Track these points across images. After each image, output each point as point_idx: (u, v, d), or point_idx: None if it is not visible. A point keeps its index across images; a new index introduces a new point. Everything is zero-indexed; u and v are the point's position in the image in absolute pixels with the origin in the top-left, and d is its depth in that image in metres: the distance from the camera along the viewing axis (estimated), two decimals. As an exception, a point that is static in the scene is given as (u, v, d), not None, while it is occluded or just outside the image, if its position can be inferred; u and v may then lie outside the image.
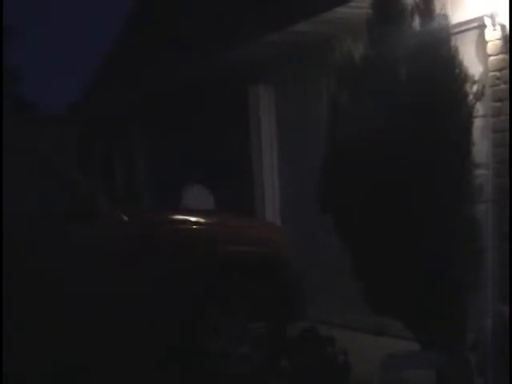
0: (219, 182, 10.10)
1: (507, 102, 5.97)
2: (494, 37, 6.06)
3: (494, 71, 6.09)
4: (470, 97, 5.36)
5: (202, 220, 6.46)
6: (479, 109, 5.62)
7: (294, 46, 8.25)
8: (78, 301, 5.66)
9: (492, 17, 6.02)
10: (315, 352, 6.08)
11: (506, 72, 5.97)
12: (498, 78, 6.05)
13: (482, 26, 6.16)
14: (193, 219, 6.38)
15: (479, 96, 5.42)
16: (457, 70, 5.36)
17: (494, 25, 6.02)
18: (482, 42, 6.23)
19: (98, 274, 5.74)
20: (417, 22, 5.48)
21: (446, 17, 5.46)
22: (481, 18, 6.13)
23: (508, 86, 5.96)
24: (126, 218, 5.99)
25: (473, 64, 5.92)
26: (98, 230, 5.85)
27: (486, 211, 5.81)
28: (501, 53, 6.01)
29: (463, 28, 6.26)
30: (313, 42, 7.88)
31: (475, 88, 5.41)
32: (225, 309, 6.22)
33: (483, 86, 5.53)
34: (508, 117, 5.96)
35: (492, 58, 6.10)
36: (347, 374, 5.96)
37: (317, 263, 8.24)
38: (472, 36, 6.34)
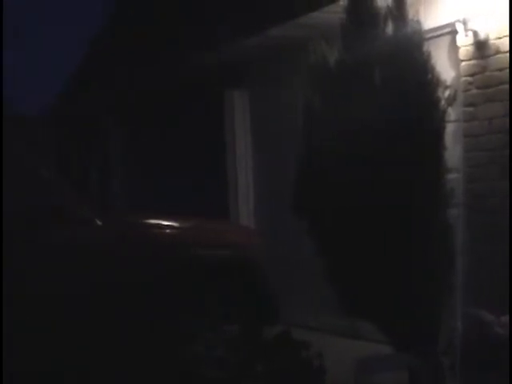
0: (194, 183, 10.10)
1: (479, 107, 6.03)
2: (466, 42, 6.11)
3: (466, 76, 6.14)
4: (442, 102, 5.40)
5: (175, 223, 6.45)
6: (451, 113, 5.67)
7: (270, 50, 8.28)
8: (51, 303, 5.64)
9: (464, 22, 6.06)
10: (290, 355, 6.08)
11: (478, 77, 6.03)
12: (470, 83, 6.10)
13: (455, 32, 6.20)
14: (167, 223, 6.38)
15: (451, 101, 5.47)
16: (429, 75, 5.40)
17: (466, 30, 6.07)
18: (454, 47, 6.28)
19: (72, 277, 5.72)
20: (390, 27, 5.52)
21: (418, 22, 5.50)
22: (453, 24, 6.18)
23: (481, 91, 6.03)
24: (99, 222, 5.98)
25: (445, 69, 5.97)
26: (72, 233, 5.84)
27: (458, 215, 5.87)
28: (473, 58, 6.06)
29: (436, 33, 6.30)
30: (288, 45, 7.90)
31: (447, 93, 5.46)
32: (199, 312, 6.21)
33: (455, 91, 5.58)
34: (481, 121, 6.02)
35: (464, 63, 6.15)
36: (322, 377, 5.97)
37: (292, 266, 8.26)
38: (444, 41, 6.39)
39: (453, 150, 5.90)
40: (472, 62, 6.08)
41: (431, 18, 6.14)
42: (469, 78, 6.12)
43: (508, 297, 5.60)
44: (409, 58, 5.39)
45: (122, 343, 5.92)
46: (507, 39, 5.79)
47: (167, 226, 6.36)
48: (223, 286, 6.27)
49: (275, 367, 6.04)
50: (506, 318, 5.36)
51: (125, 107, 11.93)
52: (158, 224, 6.37)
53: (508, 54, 5.78)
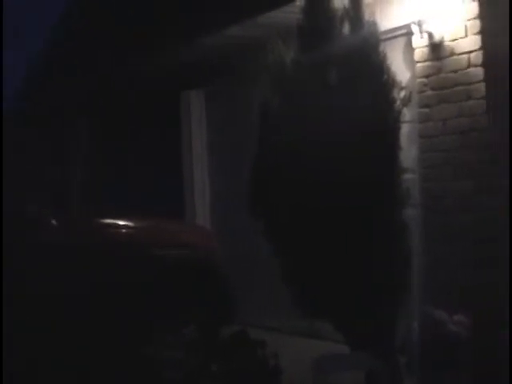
0: (150, 183, 10.05)
1: (434, 109, 6.07)
2: (421, 44, 6.14)
3: (421, 78, 6.17)
4: (398, 102, 5.45)
5: (131, 223, 6.43)
6: (406, 114, 5.72)
7: (227, 49, 8.26)
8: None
9: (419, 24, 6.09)
10: (246, 355, 6.08)
11: (433, 78, 6.07)
12: (425, 85, 6.14)
13: (410, 33, 6.24)
14: (122, 222, 6.35)
15: (406, 102, 5.52)
16: (385, 76, 5.45)
17: (421, 32, 6.10)
18: (409, 48, 6.32)
19: (27, 278, 5.67)
20: (346, 28, 5.55)
21: (374, 23, 5.55)
22: (408, 26, 6.21)
23: (436, 92, 6.08)
24: (55, 223, 5.93)
25: (400, 70, 6.03)
26: (29, 234, 5.79)
27: (414, 215, 5.91)
28: (428, 59, 6.10)
29: (391, 35, 6.34)
30: (245, 45, 7.90)
31: (402, 94, 5.51)
32: (155, 312, 6.18)
33: (410, 92, 5.63)
34: (436, 123, 6.07)
35: (419, 64, 6.19)
36: (278, 377, 5.98)
37: (250, 266, 8.25)
38: (400, 43, 6.43)
39: (408, 150, 5.95)
40: (427, 63, 6.12)
41: (387, 20, 6.17)
42: (424, 80, 6.16)
43: (461, 297, 5.68)
44: (365, 58, 5.43)
45: (77, 345, 5.87)
46: (462, 41, 5.85)
47: (123, 225, 6.34)
48: (180, 286, 6.25)
49: (231, 367, 6.04)
50: (459, 317, 5.42)
51: (83, 107, 11.83)
52: (114, 224, 6.34)
53: (463, 56, 5.85)
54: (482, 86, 5.74)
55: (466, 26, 5.84)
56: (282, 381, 5.92)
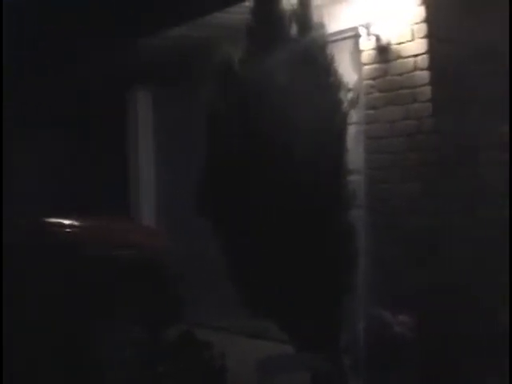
0: (98, 183, 9.96)
1: (381, 110, 6.11)
2: (368, 46, 6.18)
3: (368, 80, 6.21)
4: (345, 104, 5.49)
5: (78, 223, 6.37)
6: (353, 116, 5.76)
7: (174, 50, 8.22)
8: None
9: (367, 27, 6.14)
10: (192, 356, 6.07)
11: (380, 81, 6.11)
12: (372, 87, 6.17)
13: (357, 36, 6.27)
14: (69, 222, 6.28)
15: (353, 104, 5.57)
16: (332, 78, 5.49)
17: (368, 35, 6.14)
18: (357, 51, 6.34)
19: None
20: (294, 30, 5.57)
21: (322, 25, 5.58)
22: (356, 28, 6.25)
23: (382, 94, 6.13)
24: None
25: (348, 72, 6.06)
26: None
27: (360, 216, 5.96)
28: (375, 62, 6.14)
29: (339, 37, 6.35)
30: (192, 46, 7.87)
31: (350, 96, 5.55)
32: (104, 313, 6.13)
33: (357, 94, 5.67)
34: (382, 124, 6.11)
35: (366, 66, 6.22)
36: (224, 377, 5.98)
37: (198, 266, 8.23)
38: (347, 45, 6.43)
39: (355, 152, 5.99)
40: (374, 65, 6.16)
41: (335, 22, 6.19)
42: (371, 82, 6.19)
43: (405, 298, 5.73)
44: (312, 60, 5.46)
45: (27, 345, 5.81)
46: (408, 44, 5.90)
47: (70, 225, 6.27)
48: (128, 287, 6.21)
49: (178, 367, 6.02)
50: (403, 317, 5.48)
51: (26, 107, 11.67)
52: (61, 223, 6.27)
53: (410, 59, 5.91)
54: (427, 89, 5.80)
55: (412, 30, 5.89)
56: (228, 381, 5.92)
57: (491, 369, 5.87)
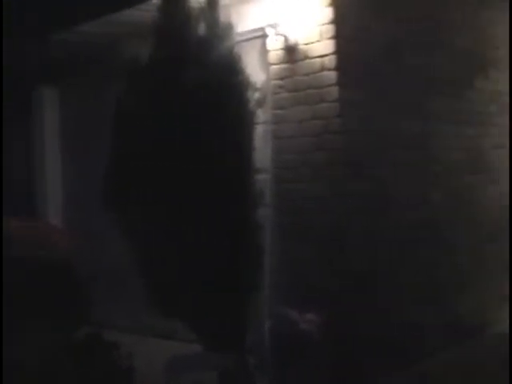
0: (4, 184, 9.76)
1: (288, 110, 6.14)
2: (276, 46, 6.20)
3: (275, 80, 6.23)
4: (252, 104, 5.50)
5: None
6: (261, 116, 5.78)
7: (81, 47, 8.10)
8: None
9: (274, 27, 6.16)
10: (100, 356, 5.99)
11: (288, 81, 6.14)
12: (280, 87, 6.19)
13: (265, 36, 6.28)
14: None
15: (261, 103, 5.58)
16: (240, 77, 5.49)
17: (276, 35, 6.16)
18: (264, 51, 6.35)
19: None
20: (202, 29, 5.55)
21: (230, 25, 5.57)
22: (264, 28, 6.26)
23: (290, 94, 6.16)
24: None
25: (255, 72, 6.05)
26: None
27: (267, 215, 5.98)
28: (282, 62, 6.17)
29: (247, 37, 6.33)
30: (100, 43, 7.77)
31: (257, 95, 5.56)
32: (11, 314, 6.01)
33: (265, 94, 5.68)
34: (290, 124, 6.15)
35: (274, 66, 6.24)
36: (131, 377, 5.92)
37: (107, 266, 8.13)
38: (255, 45, 6.44)
39: (262, 151, 6.01)
40: (282, 66, 6.18)
41: (243, 22, 6.18)
42: (279, 82, 6.22)
43: (312, 296, 5.78)
44: (220, 59, 5.44)
45: None
46: (315, 45, 5.95)
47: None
48: (34, 287, 6.11)
49: (85, 368, 5.94)
50: (310, 316, 5.52)
51: None
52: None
53: (317, 59, 5.95)
54: (334, 90, 5.86)
55: (320, 31, 5.94)
56: (135, 381, 5.87)
57: (387, 367, 6.00)
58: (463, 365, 6.43)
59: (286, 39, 6.12)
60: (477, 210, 7.56)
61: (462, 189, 7.29)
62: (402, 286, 6.36)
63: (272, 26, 6.16)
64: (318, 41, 5.96)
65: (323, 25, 5.93)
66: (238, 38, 5.73)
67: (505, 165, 8.22)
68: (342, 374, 5.64)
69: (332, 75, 5.86)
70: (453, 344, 6.78)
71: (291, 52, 6.10)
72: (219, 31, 5.52)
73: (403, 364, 6.13)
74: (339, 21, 5.91)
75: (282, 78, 6.20)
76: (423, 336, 6.53)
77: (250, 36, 6.38)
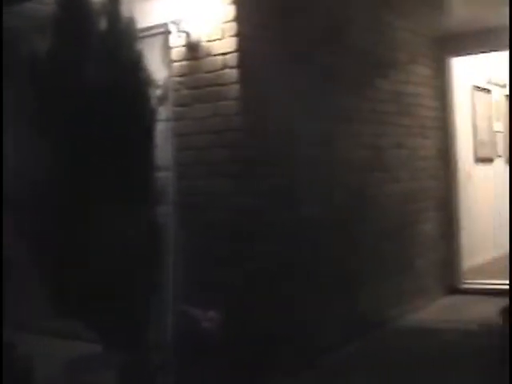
0: None
1: (190, 108, 6.13)
2: (178, 43, 6.17)
3: (177, 77, 6.20)
4: (153, 101, 5.46)
5: None
6: (162, 113, 5.74)
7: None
8: None
9: (177, 24, 6.13)
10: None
11: (189, 78, 6.12)
12: (180, 84, 6.16)
13: (168, 32, 6.24)
14: None
15: (162, 100, 5.55)
16: (141, 74, 5.43)
17: (178, 31, 6.13)
18: (166, 47, 6.31)
19: None
20: (104, 23, 5.47)
21: (132, 20, 5.51)
22: (166, 24, 6.21)
23: (191, 91, 6.15)
24: None
25: (157, 69, 6.01)
26: None
27: (168, 212, 5.95)
28: (184, 59, 6.14)
29: (149, 33, 6.28)
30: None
31: (158, 92, 5.52)
32: None
33: (166, 91, 5.65)
34: (191, 121, 6.13)
35: (176, 63, 6.20)
36: (30, 378, 5.81)
37: (7, 266, 7.94)
38: (158, 41, 6.39)
39: (163, 148, 5.97)
40: (183, 63, 6.15)
41: (145, 17, 6.12)
42: (180, 79, 6.19)
43: (214, 294, 5.78)
44: (121, 55, 5.38)
45: None
46: (217, 42, 5.94)
47: None
48: None
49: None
50: (212, 313, 5.53)
51: None
52: None
53: (219, 57, 5.95)
54: (236, 88, 5.87)
55: (222, 28, 5.94)
56: (35, 382, 5.76)
57: (288, 364, 6.07)
58: (364, 360, 6.57)
59: (189, 36, 6.09)
60: (377, 209, 7.72)
61: (362, 187, 7.42)
62: (304, 283, 6.43)
63: (175, 22, 6.12)
64: (220, 38, 5.95)
65: (225, 22, 5.93)
66: (141, 34, 5.67)
67: (406, 163, 8.43)
68: (243, 372, 5.66)
69: (233, 73, 5.87)
70: (353, 340, 6.92)
71: (193, 49, 6.07)
72: (121, 27, 5.45)
73: (304, 361, 6.21)
74: (241, 19, 5.92)
75: (183, 75, 6.17)
76: (324, 333, 6.62)
77: (152, 32, 6.32)
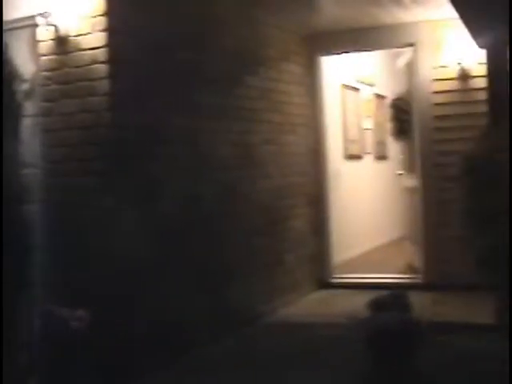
0: None
1: (58, 103, 6.00)
2: (46, 37, 6.03)
3: (45, 71, 6.06)
4: (20, 95, 5.30)
5: None
6: (29, 108, 5.61)
7: None
8: None
9: (45, 16, 5.99)
10: None
11: (58, 72, 5.99)
12: (49, 78, 6.03)
13: (35, 25, 6.09)
14: None
15: (29, 95, 5.41)
16: (8, 68, 5.27)
17: (47, 25, 5.99)
18: (34, 41, 6.14)
19: None
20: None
21: (-2, 12, 5.35)
22: (34, 17, 6.06)
23: (60, 86, 6.03)
24: None
25: (24, 63, 5.85)
26: None
27: (36, 211, 5.82)
28: (52, 53, 6.00)
29: (16, 25, 6.11)
30: None
31: (25, 87, 5.39)
32: None
33: (34, 86, 5.51)
34: (59, 117, 6.01)
35: (44, 57, 6.06)
36: None
37: None
38: (25, 34, 6.20)
39: (30, 144, 5.84)
40: (52, 57, 6.02)
41: (11, 9, 5.95)
42: (48, 73, 6.05)
43: (84, 292, 5.70)
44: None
45: None
46: (87, 37, 5.86)
47: None
48: None
49: None
50: (81, 313, 5.45)
51: None
52: None
53: (88, 52, 5.87)
54: (105, 83, 5.80)
55: (92, 23, 5.85)
56: None
57: (157, 362, 6.06)
58: (230, 357, 6.61)
59: (57, 30, 5.96)
60: (248, 205, 7.79)
61: (231, 183, 7.47)
62: (174, 280, 6.43)
63: (43, 15, 5.98)
64: (89, 33, 5.87)
65: (95, 17, 5.85)
66: (7, 27, 5.51)
67: (276, 160, 8.55)
68: (112, 371, 5.62)
69: (103, 68, 5.80)
70: (221, 337, 6.96)
71: (62, 43, 5.96)
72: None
73: (173, 357, 6.21)
74: (111, 13, 5.86)
75: (51, 70, 6.04)
76: (194, 329, 6.64)
77: (19, 25, 6.14)
